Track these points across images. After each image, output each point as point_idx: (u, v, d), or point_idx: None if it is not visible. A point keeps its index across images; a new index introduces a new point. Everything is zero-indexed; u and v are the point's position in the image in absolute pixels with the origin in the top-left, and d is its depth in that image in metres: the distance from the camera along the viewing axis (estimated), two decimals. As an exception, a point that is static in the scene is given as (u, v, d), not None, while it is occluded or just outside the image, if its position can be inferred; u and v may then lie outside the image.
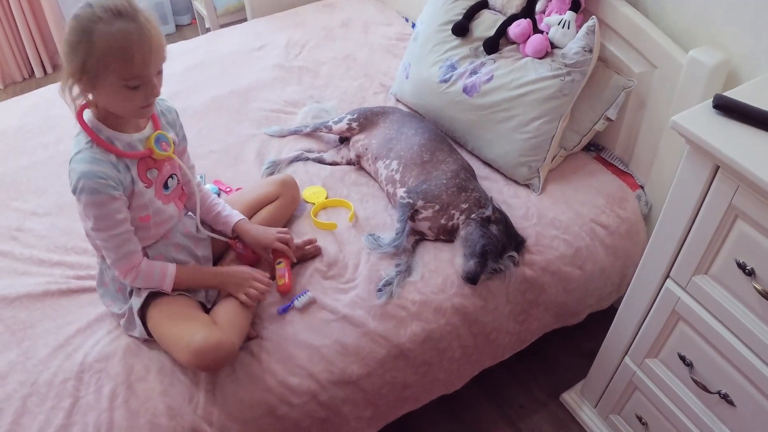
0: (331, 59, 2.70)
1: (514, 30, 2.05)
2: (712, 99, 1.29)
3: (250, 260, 1.76)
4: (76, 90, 1.39)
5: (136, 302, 1.57)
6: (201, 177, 2.06)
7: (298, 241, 1.80)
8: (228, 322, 1.56)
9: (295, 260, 1.79)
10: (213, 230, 1.77)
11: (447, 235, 1.85)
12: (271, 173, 2.09)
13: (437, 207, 1.82)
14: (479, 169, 2.07)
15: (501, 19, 2.12)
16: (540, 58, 2.00)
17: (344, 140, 2.22)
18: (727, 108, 1.28)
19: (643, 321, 1.65)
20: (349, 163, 2.16)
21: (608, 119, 2.02)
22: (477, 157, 2.15)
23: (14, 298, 1.73)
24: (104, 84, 1.34)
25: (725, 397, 1.47)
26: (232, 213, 1.76)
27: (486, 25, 2.15)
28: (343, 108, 2.36)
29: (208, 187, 1.99)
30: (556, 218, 1.94)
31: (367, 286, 1.73)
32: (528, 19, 2.05)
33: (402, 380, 1.72)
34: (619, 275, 2.04)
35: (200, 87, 2.53)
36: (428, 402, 1.86)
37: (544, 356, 2.25)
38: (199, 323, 1.52)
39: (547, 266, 1.86)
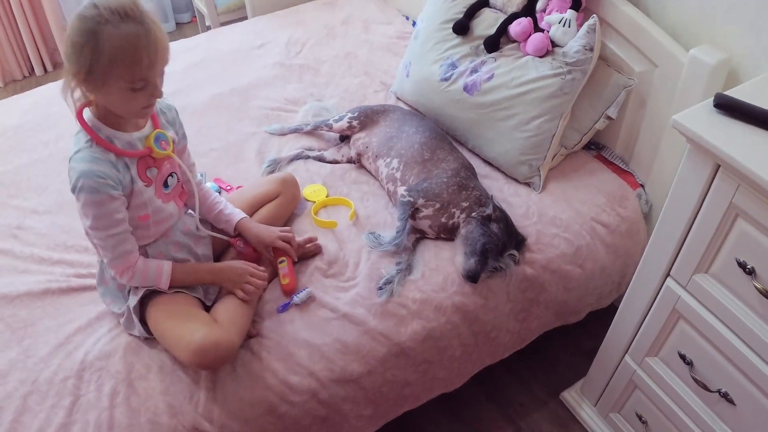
0: (332, 57, 2.70)
1: (514, 28, 2.05)
2: (713, 98, 1.29)
3: (250, 258, 1.76)
4: (78, 91, 1.38)
5: (133, 300, 1.57)
6: (202, 175, 2.06)
7: (298, 239, 1.80)
8: (228, 321, 1.56)
9: (296, 259, 1.79)
10: (213, 229, 1.78)
11: (447, 233, 1.85)
12: (272, 171, 2.09)
13: (438, 205, 1.82)
14: (480, 168, 2.07)
15: (502, 17, 2.12)
16: (541, 57, 2.00)
17: (345, 138, 2.22)
18: (728, 107, 1.27)
19: (644, 319, 1.65)
20: (349, 161, 2.16)
21: (609, 118, 2.02)
22: (477, 155, 2.15)
23: (15, 297, 1.73)
24: (109, 85, 1.34)
25: (725, 396, 1.47)
26: (234, 211, 1.76)
27: (487, 23, 2.15)
28: (344, 106, 2.36)
29: (209, 185, 1.99)
30: (556, 217, 1.94)
31: (367, 285, 1.73)
32: (529, 17, 2.05)
33: (402, 379, 1.72)
34: (619, 274, 2.04)
35: (201, 85, 2.53)
36: (428, 400, 1.86)
37: (544, 355, 2.25)
38: (199, 322, 1.52)
39: (547, 265, 1.86)
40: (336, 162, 2.16)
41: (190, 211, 1.74)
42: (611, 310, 1.90)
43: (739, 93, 1.31)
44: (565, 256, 1.89)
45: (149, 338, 1.61)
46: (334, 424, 1.66)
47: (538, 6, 2.05)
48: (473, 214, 1.80)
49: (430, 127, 2.05)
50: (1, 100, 2.59)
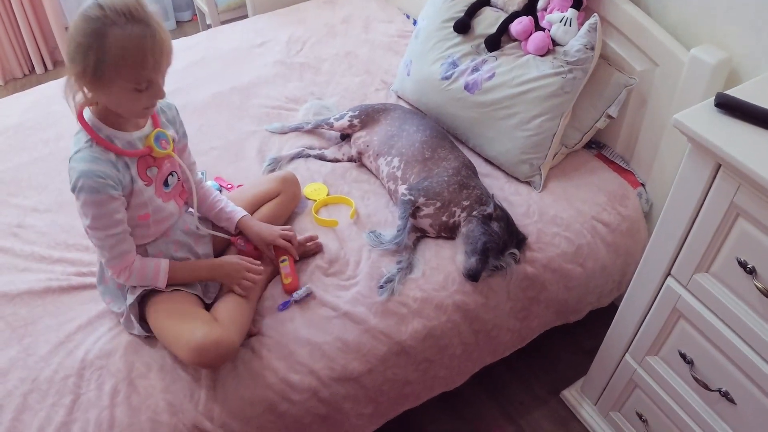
0: (333, 56, 2.69)
1: (515, 27, 2.05)
2: (714, 97, 1.29)
3: (251, 257, 1.75)
4: (80, 89, 1.38)
5: (130, 299, 1.57)
6: (202, 174, 2.06)
7: (299, 237, 1.80)
8: (228, 319, 1.56)
9: (298, 258, 1.79)
10: (214, 227, 1.78)
11: (448, 232, 1.85)
12: (272, 170, 2.09)
13: (439, 204, 1.82)
14: (480, 167, 2.07)
15: (503, 16, 2.12)
16: (542, 56, 2.00)
17: (345, 137, 2.22)
18: (729, 106, 1.28)
19: (644, 319, 1.65)
20: (350, 160, 2.15)
21: (609, 117, 2.02)
22: (478, 154, 2.15)
23: (15, 295, 1.73)
24: (112, 86, 1.33)
25: (725, 395, 1.47)
26: (235, 209, 1.76)
27: (488, 22, 2.15)
28: (345, 105, 2.36)
29: (210, 183, 1.99)
30: (557, 216, 1.94)
31: (368, 283, 1.73)
32: (530, 16, 2.05)
33: (403, 377, 1.72)
34: (619, 273, 2.04)
35: (201, 83, 2.53)
36: (429, 399, 1.86)
37: (544, 353, 2.25)
38: (199, 320, 1.52)
39: (548, 263, 1.86)
40: (337, 161, 2.16)
41: (190, 209, 1.74)
42: (612, 309, 1.90)
43: (739, 92, 1.31)
44: (566, 254, 1.89)
45: (149, 337, 1.61)
46: (335, 423, 1.66)
47: (539, 5, 2.05)
48: (474, 212, 1.80)
49: (431, 126, 2.05)
50: (2, 98, 2.59)
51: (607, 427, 2.00)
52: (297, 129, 2.28)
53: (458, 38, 2.17)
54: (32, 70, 3.88)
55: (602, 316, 2.03)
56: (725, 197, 1.29)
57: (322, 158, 2.16)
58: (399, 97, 2.43)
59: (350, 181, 2.06)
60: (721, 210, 1.31)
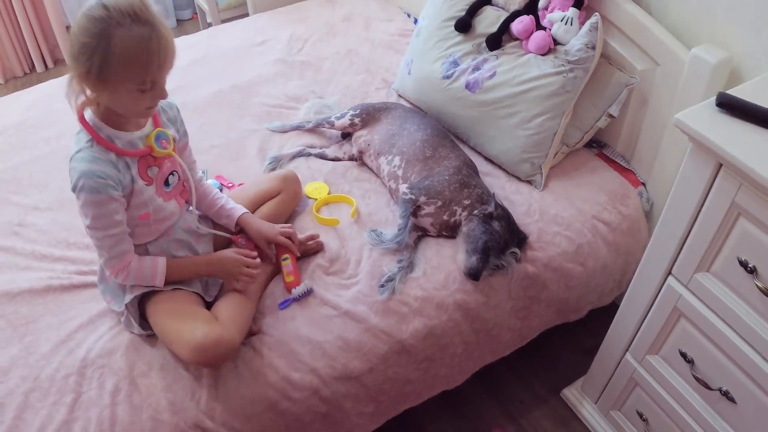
0: (333, 55, 2.69)
1: (516, 26, 2.05)
2: (715, 97, 1.29)
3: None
4: (82, 90, 1.38)
5: (128, 297, 1.57)
6: (203, 172, 2.06)
7: (300, 236, 1.80)
8: (229, 318, 1.56)
9: (299, 255, 1.79)
10: (214, 226, 1.78)
11: (449, 231, 1.85)
12: (273, 169, 2.09)
13: (440, 203, 1.82)
14: (481, 166, 2.07)
15: (504, 15, 2.12)
16: (543, 55, 2.00)
17: (346, 136, 2.22)
18: (731, 106, 1.28)
19: (645, 318, 1.65)
20: (351, 158, 2.15)
21: (610, 116, 2.02)
22: (479, 153, 2.15)
23: (16, 293, 1.73)
24: (116, 87, 1.33)
25: (726, 394, 1.47)
26: (235, 206, 1.76)
27: (489, 21, 2.15)
28: (345, 103, 2.36)
29: (210, 182, 1.99)
30: (558, 215, 1.94)
31: (369, 282, 1.74)
32: (531, 15, 2.04)
33: (404, 376, 1.72)
34: (620, 272, 2.04)
35: (202, 82, 2.53)
36: (430, 398, 1.87)
37: (545, 352, 2.25)
38: (199, 320, 1.52)
39: (548, 263, 1.87)
40: (338, 159, 2.16)
41: (191, 208, 1.74)
42: (612, 308, 1.91)
43: (740, 92, 1.31)
44: (567, 254, 1.89)
45: (151, 335, 1.61)
46: (336, 421, 1.66)
47: (541, 4, 2.05)
48: (475, 211, 1.80)
49: (432, 125, 2.05)
50: (2, 97, 2.59)
51: (608, 426, 2.00)
52: (298, 128, 2.28)
53: (459, 37, 2.17)
54: (33, 68, 3.87)
55: (602, 315, 2.03)
56: (726, 197, 1.29)
57: (323, 157, 2.16)
58: (400, 95, 2.43)
59: (351, 180, 2.06)
60: (722, 209, 1.31)
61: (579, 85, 1.94)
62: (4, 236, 1.90)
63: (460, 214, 1.82)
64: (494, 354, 1.94)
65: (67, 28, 3.80)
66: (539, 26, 2.04)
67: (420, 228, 1.88)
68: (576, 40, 1.92)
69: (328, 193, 2.00)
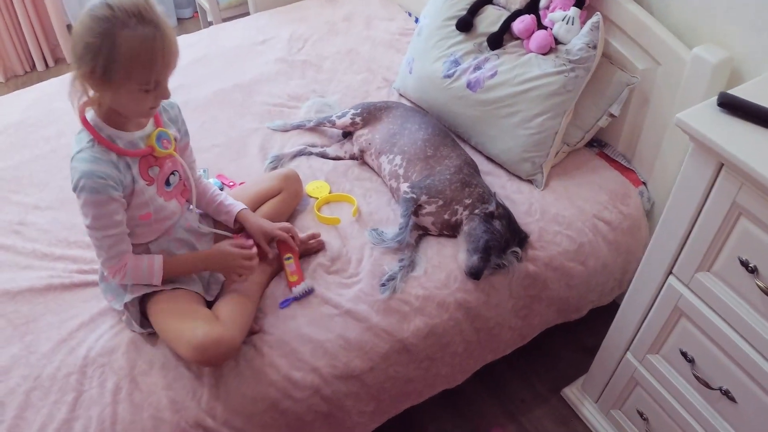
0: (334, 53, 2.69)
1: (518, 26, 2.05)
2: (716, 97, 1.29)
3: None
4: (84, 91, 1.38)
5: (128, 297, 1.57)
6: (204, 171, 2.06)
7: (301, 235, 1.80)
8: (230, 317, 1.56)
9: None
10: (215, 225, 1.78)
11: (450, 230, 1.85)
12: (274, 167, 2.09)
13: (441, 202, 1.83)
14: (482, 165, 2.07)
15: (505, 14, 2.12)
16: (544, 54, 2.00)
17: (347, 135, 2.22)
18: (732, 106, 1.28)
19: (646, 317, 1.65)
20: (352, 157, 2.16)
21: (611, 115, 2.02)
22: (480, 152, 2.15)
23: (17, 292, 1.73)
24: (120, 87, 1.33)
25: (726, 394, 1.47)
26: (234, 203, 1.76)
27: (490, 20, 2.15)
28: (346, 102, 2.36)
29: (211, 181, 1.99)
30: (558, 214, 1.94)
31: (370, 281, 1.74)
32: (532, 14, 2.04)
33: (405, 375, 1.73)
34: (621, 271, 2.05)
35: (203, 81, 2.53)
36: (430, 396, 1.87)
37: (545, 351, 2.25)
38: (200, 319, 1.53)
39: (549, 262, 1.87)
40: (339, 158, 2.16)
41: (191, 207, 1.74)
42: (613, 307, 1.91)
43: (741, 92, 1.31)
44: (568, 253, 1.89)
45: (152, 334, 1.61)
46: (337, 420, 1.66)
47: (542, 3, 2.05)
48: (476, 211, 1.80)
49: (433, 124, 2.05)
50: (3, 95, 2.59)
51: (608, 425, 2.01)
52: (299, 127, 2.28)
53: (460, 36, 2.17)
54: (33, 67, 3.87)
55: (603, 315, 2.03)
56: (727, 197, 1.29)
57: (324, 156, 2.16)
58: (401, 94, 2.43)
59: (352, 179, 2.06)
60: (723, 209, 1.31)
61: (580, 84, 1.94)
62: (4, 235, 1.90)
63: (461, 213, 1.82)
64: (495, 353, 1.94)
65: (68, 26, 3.80)
66: (540, 26, 2.04)
67: (421, 227, 1.89)
68: (577, 40, 1.92)
69: (329, 192, 2.00)
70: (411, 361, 1.72)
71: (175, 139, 1.58)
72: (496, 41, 2.10)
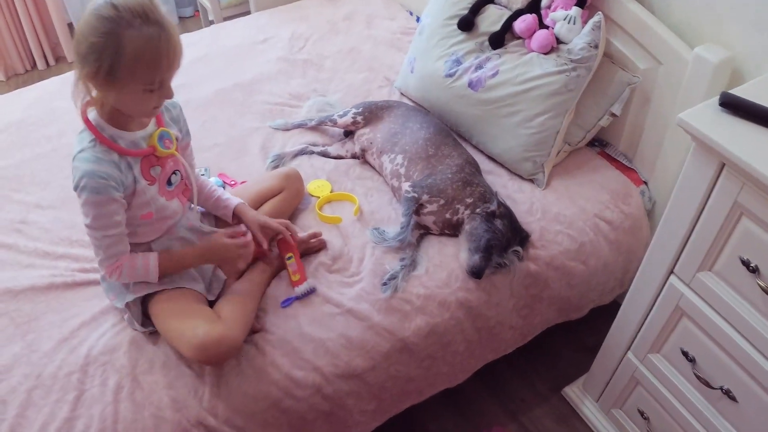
0: (335, 53, 2.69)
1: (519, 25, 2.05)
2: (718, 97, 1.30)
3: (255, 253, 1.75)
4: (87, 91, 1.38)
5: (130, 297, 1.57)
6: (205, 170, 2.06)
7: (303, 234, 1.81)
8: (231, 317, 1.57)
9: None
10: (217, 224, 1.78)
11: (452, 229, 1.85)
12: (276, 166, 2.09)
13: (442, 201, 1.83)
14: (484, 164, 2.08)
15: (506, 13, 2.12)
16: (545, 54, 2.00)
17: (349, 134, 2.22)
18: (733, 106, 1.28)
19: (647, 316, 1.65)
20: (353, 156, 2.16)
21: (613, 115, 2.02)
22: (482, 151, 2.15)
23: (19, 291, 1.73)
24: (124, 87, 1.33)
25: (727, 393, 1.47)
26: (231, 197, 1.76)
27: (491, 19, 2.15)
28: (348, 101, 2.36)
29: (213, 180, 1.99)
30: (560, 213, 1.94)
31: (371, 280, 1.74)
32: (533, 14, 2.04)
33: (406, 374, 1.73)
34: (622, 270, 2.05)
35: (204, 80, 2.53)
36: (431, 395, 1.87)
37: (546, 350, 2.26)
38: (201, 318, 1.53)
39: (551, 261, 1.87)
40: (340, 157, 2.16)
41: (193, 205, 1.74)
42: (614, 306, 1.91)
43: (743, 92, 1.31)
44: (569, 252, 1.90)
45: (153, 333, 1.61)
46: (338, 419, 1.66)
47: (543, 2, 2.05)
48: (477, 210, 1.80)
49: (435, 123, 2.05)
50: (4, 94, 2.58)
51: (609, 424, 2.01)
52: (300, 126, 2.28)
53: (462, 36, 2.17)
54: (34, 65, 3.87)
55: (604, 314, 2.03)
56: (729, 196, 1.29)
57: (325, 155, 2.17)
58: (402, 94, 2.43)
59: (354, 178, 2.06)
60: (725, 209, 1.31)
61: (581, 84, 1.94)
62: (6, 234, 1.90)
63: (463, 213, 1.82)
64: (496, 352, 1.94)
65: (69, 25, 3.80)
66: (542, 25, 2.04)
67: (422, 226, 1.89)
68: (579, 39, 1.92)
69: (331, 191, 2.00)
70: (412, 360, 1.72)
71: (177, 139, 1.58)
72: (497, 40, 2.10)
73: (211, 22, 3.75)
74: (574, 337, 2.29)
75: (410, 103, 2.32)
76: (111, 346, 1.59)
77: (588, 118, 2.06)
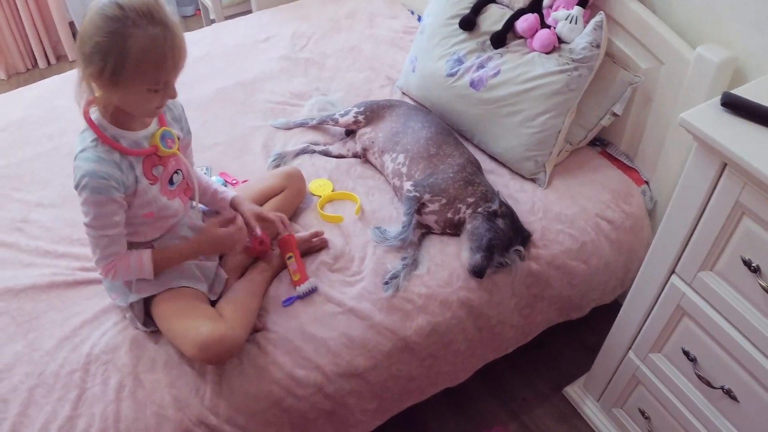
0: (337, 51, 2.69)
1: (521, 24, 2.05)
2: (719, 96, 1.30)
3: (257, 252, 1.76)
4: (90, 90, 1.38)
5: (132, 297, 1.58)
6: (207, 169, 2.06)
7: (304, 233, 1.81)
8: (233, 316, 1.57)
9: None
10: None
11: (453, 228, 1.85)
12: (277, 165, 2.09)
13: (444, 200, 1.83)
14: (485, 163, 2.08)
15: (508, 13, 2.12)
16: (547, 53, 2.00)
17: (350, 133, 2.22)
18: (735, 106, 1.28)
19: (648, 316, 1.65)
20: (355, 156, 2.16)
21: (614, 114, 2.02)
22: (483, 151, 2.15)
23: (20, 290, 1.73)
24: (129, 87, 1.33)
25: (728, 393, 1.48)
26: (227, 190, 1.76)
27: (493, 19, 2.15)
28: (349, 100, 2.36)
29: (214, 179, 1.99)
30: (561, 213, 1.94)
31: (373, 279, 1.74)
32: (535, 13, 2.04)
33: (407, 373, 1.73)
34: (623, 270, 2.05)
35: (205, 79, 2.53)
36: (433, 395, 1.87)
37: (547, 350, 2.26)
38: (203, 317, 1.53)
39: (552, 260, 1.87)
40: (341, 156, 2.16)
41: (194, 204, 1.74)
42: (615, 306, 1.91)
43: (745, 92, 1.32)
44: (570, 251, 1.90)
45: (155, 331, 1.61)
46: (340, 418, 1.67)
47: (545, 2, 2.05)
48: (479, 209, 1.80)
49: (436, 123, 2.05)
50: (5, 93, 2.58)
51: (610, 423, 2.01)
52: (302, 124, 2.28)
53: (464, 35, 2.17)
54: (35, 64, 3.87)
55: (605, 313, 2.04)
56: (730, 196, 1.29)
57: (326, 154, 2.17)
58: (404, 93, 2.43)
59: (355, 177, 2.07)
60: (726, 209, 1.31)
61: (583, 83, 1.94)
62: (7, 233, 1.90)
63: (464, 212, 1.82)
64: (497, 351, 1.94)
65: (70, 23, 3.80)
66: (544, 24, 2.04)
67: (424, 225, 1.89)
68: (580, 39, 1.92)
69: (332, 191, 2.00)
70: (413, 360, 1.72)
71: (179, 138, 1.58)
72: (499, 40, 2.10)
73: (213, 21, 3.75)
74: (576, 336, 2.29)
75: (412, 103, 2.32)
76: (113, 345, 1.59)
77: (589, 117, 2.06)
